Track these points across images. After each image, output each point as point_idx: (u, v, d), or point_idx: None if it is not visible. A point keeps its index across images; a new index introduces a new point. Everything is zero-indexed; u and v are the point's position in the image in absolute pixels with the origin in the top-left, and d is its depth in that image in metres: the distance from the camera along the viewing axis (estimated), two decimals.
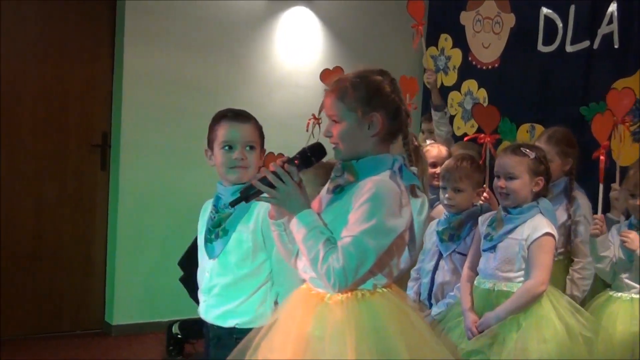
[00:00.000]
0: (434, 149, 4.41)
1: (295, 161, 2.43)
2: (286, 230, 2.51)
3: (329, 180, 2.54)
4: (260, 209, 2.83)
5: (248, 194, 2.43)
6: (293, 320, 2.44)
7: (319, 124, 5.01)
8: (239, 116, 2.95)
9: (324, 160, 2.59)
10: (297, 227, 2.40)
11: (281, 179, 2.37)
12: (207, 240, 2.93)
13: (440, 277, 3.72)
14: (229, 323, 2.86)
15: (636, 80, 4.75)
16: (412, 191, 2.48)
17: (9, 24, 5.42)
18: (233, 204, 2.48)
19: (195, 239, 3.06)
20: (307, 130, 5.05)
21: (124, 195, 5.84)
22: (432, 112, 5.28)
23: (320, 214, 2.46)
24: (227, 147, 2.90)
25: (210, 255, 2.93)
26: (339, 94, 2.44)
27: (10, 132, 5.44)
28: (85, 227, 5.90)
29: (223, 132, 2.91)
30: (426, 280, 3.78)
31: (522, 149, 3.48)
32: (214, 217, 2.93)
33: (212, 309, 2.94)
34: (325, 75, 4.94)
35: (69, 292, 5.83)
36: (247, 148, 2.90)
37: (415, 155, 3.98)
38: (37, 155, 5.63)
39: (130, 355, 5.42)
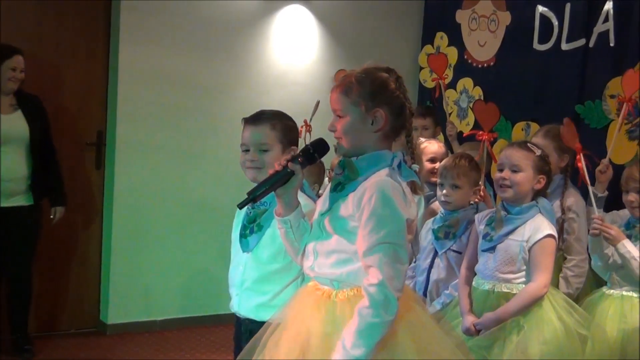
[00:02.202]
0: (432, 145, 4.41)
1: (299, 159, 2.51)
2: (292, 228, 2.56)
3: (332, 179, 2.57)
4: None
5: (256, 195, 2.52)
6: (302, 318, 2.46)
7: (309, 131, 5.01)
8: (255, 119, 2.99)
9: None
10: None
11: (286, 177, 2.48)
12: (242, 235, 2.98)
13: (435, 275, 3.72)
14: (261, 316, 2.85)
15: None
16: (413, 188, 2.49)
17: (4, 22, 5.39)
18: (241, 205, 2.57)
19: None
20: (300, 137, 5.03)
21: (119, 194, 5.82)
22: None
23: (324, 212, 2.50)
24: (244, 149, 3.00)
25: (244, 249, 2.97)
26: (344, 89, 2.48)
27: None
28: (81, 226, 5.88)
29: (242, 134, 3.01)
30: (421, 278, 3.78)
31: (529, 144, 3.51)
32: (250, 212, 2.98)
33: (244, 303, 2.97)
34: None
35: (64, 291, 5.82)
36: (260, 150, 2.95)
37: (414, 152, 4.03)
38: None
39: (125, 354, 5.41)
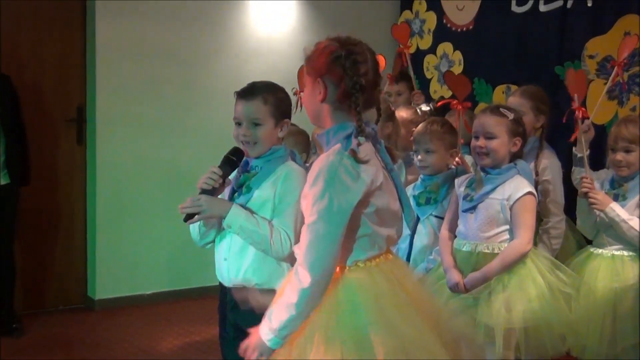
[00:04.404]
0: (402, 112, 4.42)
1: (221, 167, 2.91)
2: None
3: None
4: (283, 169, 2.94)
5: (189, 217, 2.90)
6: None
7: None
8: (247, 93, 2.98)
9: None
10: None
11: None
12: (231, 199, 3.00)
13: (418, 242, 3.73)
14: (249, 280, 2.93)
15: (609, 38, 4.78)
16: (355, 157, 2.37)
17: None
18: (187, 220, 2.90)
19: None
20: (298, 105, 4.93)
21: (102, 168, 5.81)
22: None
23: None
24: (237, 123, 3.01)
25: None
26: (305, 63, 2.49)
27: None
28: (64, 203, 5.87)
29: (235, 108, 3.01)
30: (404, 245, 3.78)
31: (501, 109, 3.51)
32: (240, 177, 3.02)
33: (233, 266, 2.98)
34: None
35: (50, 269, 5.83)
36: (253, 124, 2.95)
37: (391, 118, 4.04)
38: None
39: (114, 329, 5.42)
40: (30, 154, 5.29)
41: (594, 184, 3.69)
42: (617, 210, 3.56)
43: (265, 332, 2.36)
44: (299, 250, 2.34)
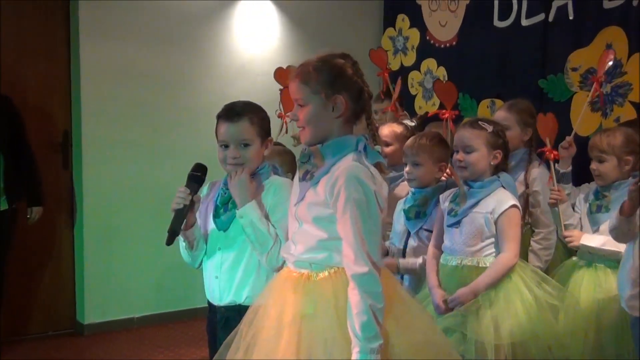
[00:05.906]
0: (385, 129, 4.42)
1: (195, 188, 2.94)
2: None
3: (298, 168, 2.61)
4: (270, 183, 2.98)
5: (175, 229, 2.92)
6: (283, 302, 2.50)
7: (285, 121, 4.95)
8: (232, 115, 2.98)
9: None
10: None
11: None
12: (216, 216, 3.02)
13: (411, 255, 3.73)
14: (241, 296, 2.95)
15: (592, 51, 4.82)
16: (380, 169, 2.53)
17: None
18: (169, 242, 2.90)
19: None
20: (284, 128, 4.97)
21: (89, 193, 5.79)
22: None
23: (297, 202, 2.55)
24: (223, 146, 3.00)
25: (220, 227, 3.01)
26: (303, 78, 2.51)
27: None
28: (51, 228, 5.84)
29: (220, 131, 3.01)
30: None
31: (479, 122, 3.51)
32: (225, 193, 3.03)
33: (224, 286, 3.00)
34: (279, 74, 4.98)
35: (38, 294, 5.79)
36: (242, 145, 2.96)
37: (373, 136, 4.05)
38: None
39: (104, 354, 5.39)
40: (37, 174, 5.29)
41: (563, 194, 3.77)
42: (589, 243, 3.64)
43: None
44: (358, 258, 2.38)
